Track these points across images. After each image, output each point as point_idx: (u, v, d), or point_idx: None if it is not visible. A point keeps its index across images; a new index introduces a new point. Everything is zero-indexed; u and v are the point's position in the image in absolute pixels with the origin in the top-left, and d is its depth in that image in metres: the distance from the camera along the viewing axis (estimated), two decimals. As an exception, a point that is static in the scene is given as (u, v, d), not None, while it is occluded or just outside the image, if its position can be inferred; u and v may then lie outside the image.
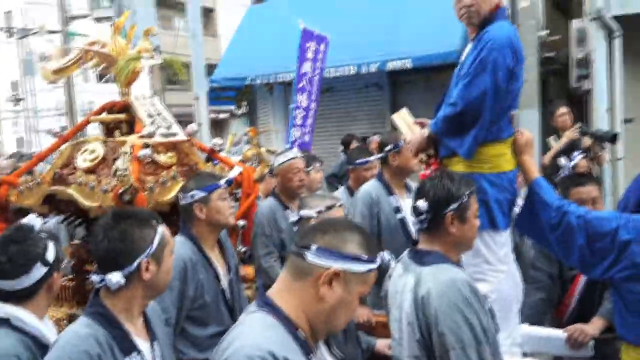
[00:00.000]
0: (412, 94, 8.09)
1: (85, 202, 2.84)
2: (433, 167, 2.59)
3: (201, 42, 6.84)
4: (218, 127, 33.56)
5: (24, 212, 3.21)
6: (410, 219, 3.06)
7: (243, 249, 3.57)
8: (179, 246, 2.53)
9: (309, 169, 3.93)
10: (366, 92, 8.61)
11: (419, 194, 1.95)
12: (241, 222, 3.39)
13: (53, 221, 3.94)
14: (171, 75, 18.16)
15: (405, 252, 2.08)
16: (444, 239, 1.93)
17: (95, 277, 1.63)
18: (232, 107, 14.32)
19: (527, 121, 5.81)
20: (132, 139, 2.88)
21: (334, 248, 1.35)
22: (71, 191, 2.88)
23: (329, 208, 2.38)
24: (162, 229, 1.71)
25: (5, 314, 1.78)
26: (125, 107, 3.24)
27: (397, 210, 3.20)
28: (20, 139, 24.67)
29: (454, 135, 2.36)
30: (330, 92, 8.74)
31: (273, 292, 1.40)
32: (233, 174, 2.70)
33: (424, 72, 7.77)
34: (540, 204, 2.26)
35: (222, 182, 2.58)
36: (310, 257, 1.34)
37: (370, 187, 3.30)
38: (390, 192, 3.25)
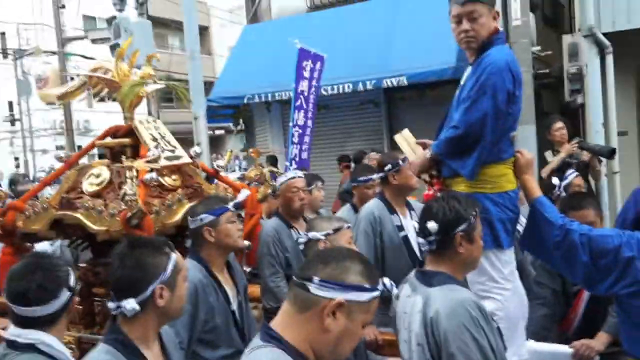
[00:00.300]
0: (407, 110, 8.18)
1: (93, 227, 2.87)
2: (436, 187, 2.64)
3: (200, 63, 6.91)
4: (214, 143, 33.65)
5: (31, 237, 3.25)
6: (413, 237, 3.12)
7: (248, 269, 3.60)
8: (190, 270, 2.56)
9: (310, 187, 3.96)
10: (363, 109, 8.70)
11: (427, 216, 1.99)
12: (246, 243, 3.42)
13: (57, 244, 3.96)
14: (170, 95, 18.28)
15: (412, 273, 2.11)
16: (451, 259, 1.97)
17: (111, 304, 1.67)
18: (229, 124, 14.37)
19: (524, 137, 5.88)
20: (138, 163, 2.91)
21: (336, 279, 1.36)
22: (79, 216, 2.91)
23: (337, 230, 2.42)
24: (175, 256, 1.75)
25: (32, 339, 1.81)
26: (130, 131, 3.28)
27: (400, 228, 3.22)
28: (17, 159, 24.61)
29: (456, 157, 2.41)
30: (326, 110, 8.81)
31: (277, 324, 1.41)
32: (241, 197, 2.73)
33: (419, 89, 7.85)
34: (543, 222, 2.30)
35: (231, 205, 2.61)
36: (314, 289, 1.35)
37: (373, 205, 3.33)
38: (392, 211, 3.28)
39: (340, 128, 9.04)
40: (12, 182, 6.38)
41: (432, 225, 1.94)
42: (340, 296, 1.35)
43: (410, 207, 3.38)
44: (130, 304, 1.63)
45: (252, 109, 10.56)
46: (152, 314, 1.69)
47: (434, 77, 7.16)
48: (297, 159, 6.37)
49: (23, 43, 21.91)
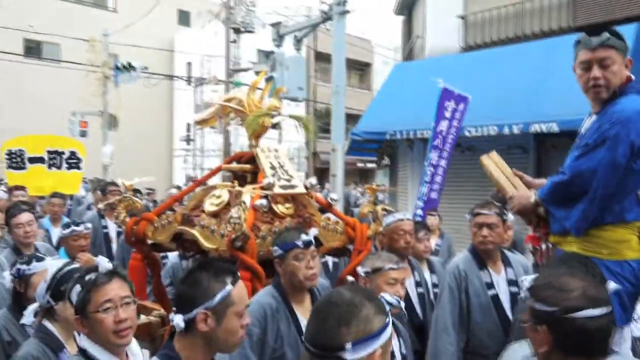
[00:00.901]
0: (558, 158, 7.55)
1: (205, 243, 3.08)
2: (543, 230, 2.39)
3: (343, 98, 7.13)
4: (364, 175, 34.33)
5: (157, 246, 3.59)
6: (505, 296, 2.87)
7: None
8: (263, 293, 2.60)
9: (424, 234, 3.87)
10: (509, 153, 8.23)
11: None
12: (350, 279, 3.40)
13: (174, 255, 4.30)
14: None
15: None
16: None
17: (171, 315, 1.74)
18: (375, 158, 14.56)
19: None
20: (248, 189, 3.08)
21: (366, 334, 1.28)
22: (195, 232, 3.15)
23: (376, 271, 2.46)
24: (230, 288, 1.73)
25: None
26: (252, 158, 3.49)
27: (489, 286, 2.97)
28: (188, 175, 27.56)
29: (561, 206, 2.21)
30: (471, 152, 8.53)
31: None
32: (311, 234, 2.63)
33: (571, 136, 7.21)
34: None
35: (300, 242, 2.54)
36: (350, 356, 1.26)
37: (460, 259, 3.15)
38: (481, 266, 3.04)
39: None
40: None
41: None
42: (377, 345, 1.28)
43: (507, 263, 3.08)
44: (177, 319, 1.68)
45: (396, 145, 10.61)
46: (198, 337, 1.71)
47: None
48: (426, 198, 6.23)
49: (205, 72, 24.67)
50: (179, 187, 10.89)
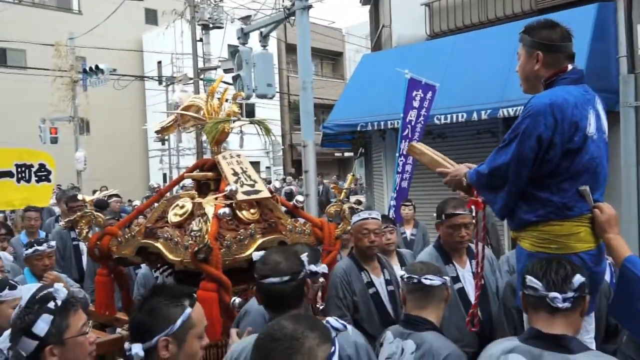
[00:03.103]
0: (527, 142, 7.64)
1: (169, 256, 3.04)
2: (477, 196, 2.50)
3: (311, 93, 7.08)
4: (342, 165, 34.34)
5: (123, 261, 3.54)
6: (471, 289, 2.92)
7: (321, 307, 3.56)
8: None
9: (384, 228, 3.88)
10: (479, 139, 8.31)
11: (568, 270, 1.86)
12: (320, 280, 3.40)
13: (144, 269, 4.25)
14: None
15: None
16: (574, 320, 1.86)
17: (126, 345, 1.72)
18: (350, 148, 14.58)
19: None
20: (209, 199, 3.04)
21: None
22: (159, 245, 3.11)
23: None
24: (190, 311, 1.72)
25: None
26: (214, 165, 3.45)
27: (455, 279, 3.00)
28: (165, 175, 27.27)
29: (486, 192, 2.32)
30: (442, 139, 8.58)
31: None
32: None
33: (541, 119, 7.30)
34: (635, 283, 1.99)
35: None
36: None
37: (425, 256, 3.20)
38: (447, 260, 3.08)
39: (455, 157, 8.68)
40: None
41: (578, 278, 1.81)
42: None
43: (472, 255, 3.08)
44: (136, 349, 1.66)
45: (369, 136, 10.62)
46: None
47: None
48: (397, 187, 6.25)
49: (176, 71, 24.36)
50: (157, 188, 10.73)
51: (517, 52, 2.33)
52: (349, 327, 1.77)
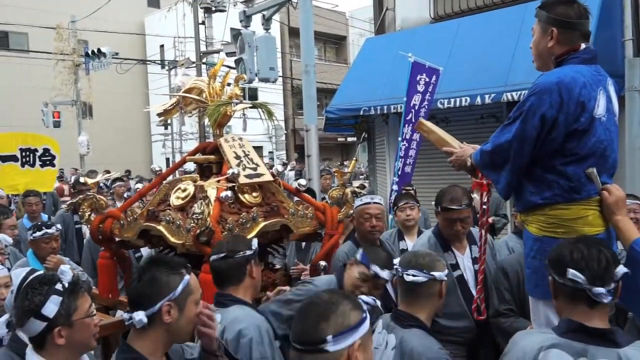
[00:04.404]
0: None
1: (171, 239, 3.05)
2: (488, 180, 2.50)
3: (313, 77, 7.03)
4: (345, 150, 34.29)
5: (126, 244, 3.55)
6: (471, 277, 2.92)
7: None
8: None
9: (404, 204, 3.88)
10: (482, 123, 8.25)
11: (611, 261, 1.76)
12: (322, 263, 3.39)
13: (146, 252, 4.25)
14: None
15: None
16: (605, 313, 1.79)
17: (125, 315, 1.76)
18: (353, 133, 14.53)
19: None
20: (211, 181, 3.04)
21: (345, 326, 1.41)
22: (161, 228, 3.11)
23: None
24: (188, 278, 1.80)
25: None
26: (217, 148, 3.44)
27: (454, 267, 2.95)
28: (168, 160, 27.28)
29: (490, 171, 2.30)
30: (446, 123, 8.52)
31: None
32: None
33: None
34: None
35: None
36: (331, 347, 1.39)
37: (424, 240, 3.17)
38: (446, 248, 3.01)
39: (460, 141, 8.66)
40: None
41: (620, 269, 1.72)
42: (356, 338, 1.41)
43: (472, 240, 3.04)
44: (139, 316, 1.71)
45: (372, 120, 10.57)
46: (159, 331, 1.75)
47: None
48: (400, 172, 6.23)
49: (178, 54, 24.25)
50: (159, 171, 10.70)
51: (532, 27, 2.28)
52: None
